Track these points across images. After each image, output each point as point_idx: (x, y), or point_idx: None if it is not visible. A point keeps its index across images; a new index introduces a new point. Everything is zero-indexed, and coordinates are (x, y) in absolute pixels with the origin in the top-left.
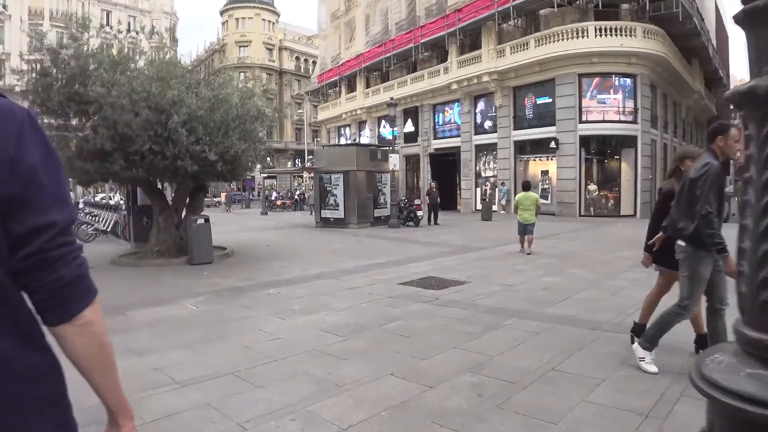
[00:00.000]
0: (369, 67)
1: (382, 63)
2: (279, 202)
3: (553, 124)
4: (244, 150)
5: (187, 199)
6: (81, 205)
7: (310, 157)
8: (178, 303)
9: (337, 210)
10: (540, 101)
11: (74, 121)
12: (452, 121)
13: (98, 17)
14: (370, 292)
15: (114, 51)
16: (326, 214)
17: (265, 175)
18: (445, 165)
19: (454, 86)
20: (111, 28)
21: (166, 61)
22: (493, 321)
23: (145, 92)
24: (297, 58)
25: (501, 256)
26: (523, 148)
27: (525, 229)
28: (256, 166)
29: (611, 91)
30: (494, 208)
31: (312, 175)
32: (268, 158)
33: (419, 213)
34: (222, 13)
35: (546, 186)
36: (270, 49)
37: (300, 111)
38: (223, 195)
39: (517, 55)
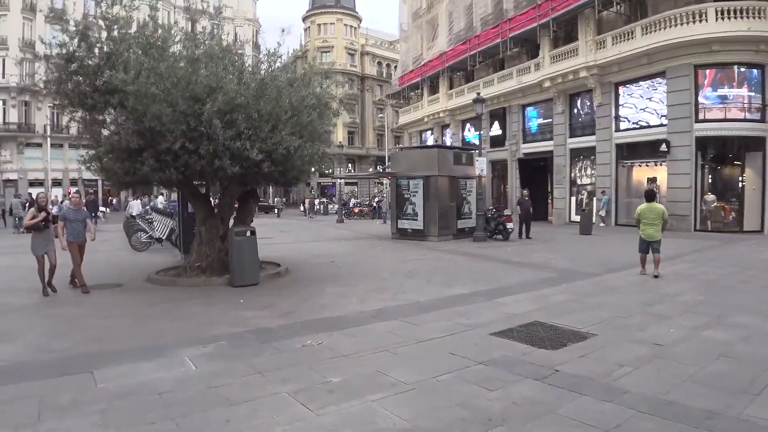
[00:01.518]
0: (452, 67)
1: (467, 61)
2: (356, 210)
3: (664, 125)
4: (297, 148)
5: (235, 207)
6: (139, 210)
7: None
8: (175, 355)
9: (416, 220)
10: (646, 97)
11: (107, 115)
12: (544, 122)
13: (182, 26)
14: (451, 350)
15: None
16: (403, 224)
17: (343, 181)
18: (536, 171)
19: (547, 83)
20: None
21: (204, 40)
22: None
23: (174, 77)
24: (379, 63)
25: (624, 286)
26: (626, 152)
27: (648, 247)
28: (314, 171)
29: (734, 84)
30: (593, 220)
31: (390, 180)
32: (329, 161)
33: (509, 225)
34: (304, 19)
35: None
36: (352, 54)
37: (381, 116)
38: (306, 201)
39: (620, 46)
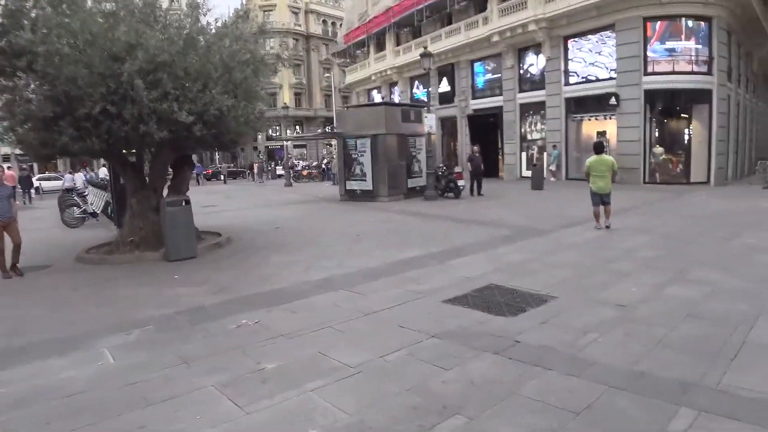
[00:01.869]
0: (399, 23)
1: (413, 17)
2: (305, 173)
3: (613, 78)
4: (230, 108)
5: (169, 176)
6: (78, 184)
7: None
8: (92, 347)
9: (365, 180)
10: (596, 51)
11: (17, 80)
12: (494, 78)
13: None
14: (401, 323)
15: None
16: (352, 185)
17: (290, 143)
18: (486, 128)
19: (496, 38)
20: None
21: None
22: (642, 416)
23: (88, 34)
24: (324, 22)
25: (581, 243)
26: (575, 106)
27: (601, 200)
28: (253, 133)
29: (682, 37)
30: (544, 174)
31: (336, 141)
32: (268, 123)
33: (460, 183)
34: None
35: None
36: (296, 13)
37: (327, 75)
38: (255, 165)
39: None
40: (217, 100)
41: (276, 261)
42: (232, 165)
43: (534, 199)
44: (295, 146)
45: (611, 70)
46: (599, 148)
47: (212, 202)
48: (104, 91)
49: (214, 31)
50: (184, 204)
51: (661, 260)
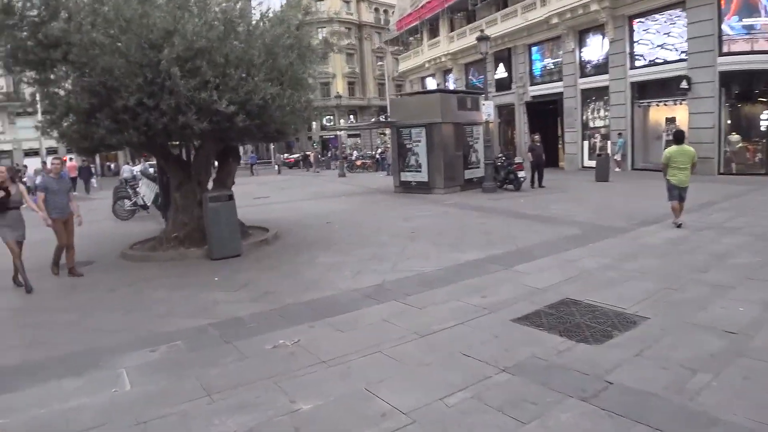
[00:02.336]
0: (452, 7)
1: (467, 0)
2: (359, 163)
3: (684, 60)
4: (274, 97)
5: (214, 167)
6: (134, 174)
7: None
8: (112, 365)
9: (420, 171)
10: (664, 31)
11: (56, 72)
12: (553, 62)
13: None
14: (464, 349)
15: None
16: (407, 176)
17: (344, 132)
18: (545, 115)
19: (555, 20)
20: None
21: None
22: None
23: (122, 20)
24: (376, 10)
25: (662, 245)
26: (642, 92)
27: (679, 194)
28: (303, 124)
29: (762, 12)
30: (609, 165)
31: (390, 130)
32: (316, 112)
33: (521, 174)
34: None
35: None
36: (347, 2)
37: (380, 63)
38: (310, 155)
39: None
40: (260, 88)
41: (324, 262)
42: (286, 155)
43: (600, 191)
44: (349, 135)
45: (681, 51)
46: (681, 137)
47: (264, 193)
48: (141, 81)
49: (257, 15)
50: (227, 199)
51: (762, 269)
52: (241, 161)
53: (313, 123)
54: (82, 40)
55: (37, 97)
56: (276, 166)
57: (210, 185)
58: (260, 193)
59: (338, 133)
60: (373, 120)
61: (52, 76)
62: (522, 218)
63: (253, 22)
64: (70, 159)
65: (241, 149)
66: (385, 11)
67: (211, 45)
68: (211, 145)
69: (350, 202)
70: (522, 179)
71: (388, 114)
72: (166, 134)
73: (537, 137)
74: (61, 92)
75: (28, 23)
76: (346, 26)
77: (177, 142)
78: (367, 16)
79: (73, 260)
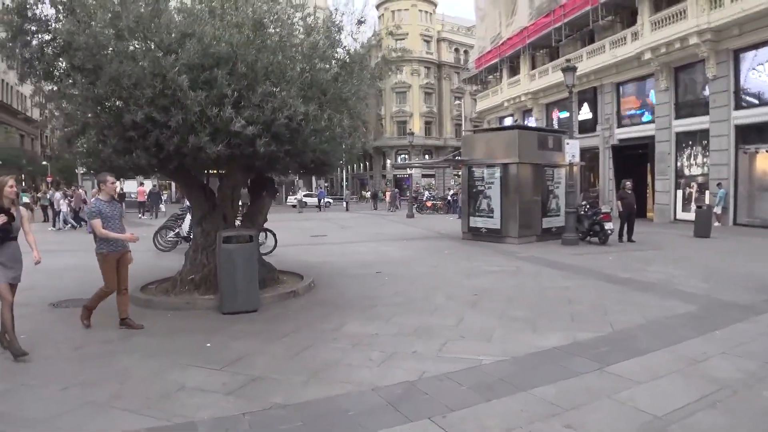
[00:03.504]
0: (534, 44)
1: (551, 36)
2: (429, 204)
3: None
4: (307, 116)
5: (241, 199)
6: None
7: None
8: None
9: (492, 217)
10: None
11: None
12: (644, 103)
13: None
14: None
15: None
16: (476, 222)
17: (418, 172)
18: (633, 160)
19: (647, 55)
20: None
21: None
22: None
23: (131, 19)
24: (456, 50)
25: None
26: (748, 135)
27: None
28: (350, 155)
29: None
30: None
31: (461, 170)
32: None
33: (608, 225)
34: (378, 6)
35: None
36: (427, 41)
37: (457, 102)
38: (387, 194)
39: (742, 3)
40: (289, 105)
41: (352, 332)
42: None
43: (703, 250)
44: (423, 176)
45: None
46: None
47: (323, 231)
48: (151, 92)
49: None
50: (247, 240)
51: None
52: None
53: (385, 159)
54: (88, 42)
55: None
56: (345, 203)
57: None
58: (319, 230)
59: (410, 171)
60: (443, 158)
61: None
62: (613, 282)
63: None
64: (141, 183)
65: (313, 182)
66: (465, 52)
67: (234, 51)
68: (237, 174)
69: (411, 247)
70: (609, 231)
71: (461, 151)
72: (179, 157)
73: (629, 184)
74: (71, 106)
75: (42, 27)
76: (426, 66)
77: (212, 170)
78: (447, 56)
79: (128, 308)
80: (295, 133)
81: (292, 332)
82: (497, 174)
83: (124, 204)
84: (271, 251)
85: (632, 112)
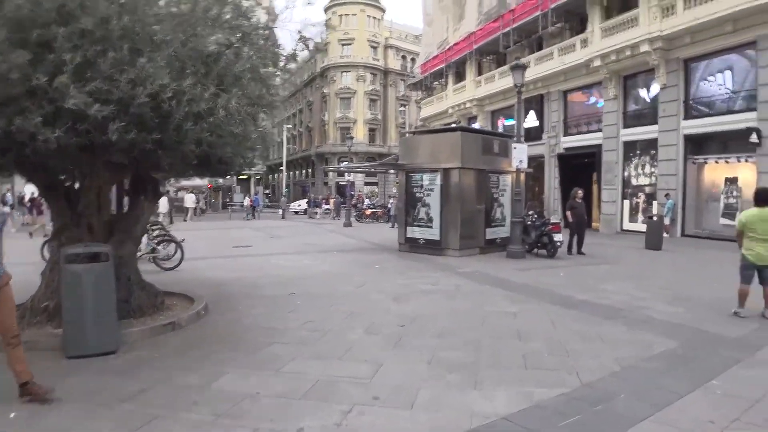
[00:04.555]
0: (481, 49)
1: (499, 42)
2: (368, 212)
3: (752, 109)
4: (179, 93)
5: (113, 205)
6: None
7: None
8: None
9: (430, 227)
10: (727, 76)
11: None
12: (591, 111)
13: None
14: None
15: None
16: (414, 232)
17: (357, 179)
18: (578, 169)
19: (597, 62)
20: None
21: None
22: None
23: None
24: (403, 57)
25: None
26: (697, 146)
27: (759, 275)
28: (244, 155)
29: None
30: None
31: (398, 176)
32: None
33: (557, 237)
34: (326, 10)
35: (732, 201)
36: (375, 47)
37: (402, 109)
38: (332, 201)
39: (694, 11)
40: (152, 78)
41: (223, 391)
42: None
43: (658, 264)
44: (366, 183)
45: (748, 98)
46: (764, 196)
47: (250, 241)
48: None
49: None
50: (104, 258)
51: None
52: (237, 203)
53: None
54: None
55: None
56: (281, 210)
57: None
58: (246, 240)
59: (348, 177)
60: (378, 162)
61: None
62: (570, 306)
63: None
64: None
65: (251, 188)
66: (413, 59)
67: (63, 4)
68: (104, 173)
69: (340, 260)
70: (559, 244)
71: (399, 154)
72: (18, 147)
73: (580, 193)
74: None
75: None
76: (372, 72)
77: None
78: (394, 63)
79: (25, 366)
80: (166, 118)
81: (141, 392)
82: (437, 180)
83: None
84: (176, 266)
85: (579, 120)
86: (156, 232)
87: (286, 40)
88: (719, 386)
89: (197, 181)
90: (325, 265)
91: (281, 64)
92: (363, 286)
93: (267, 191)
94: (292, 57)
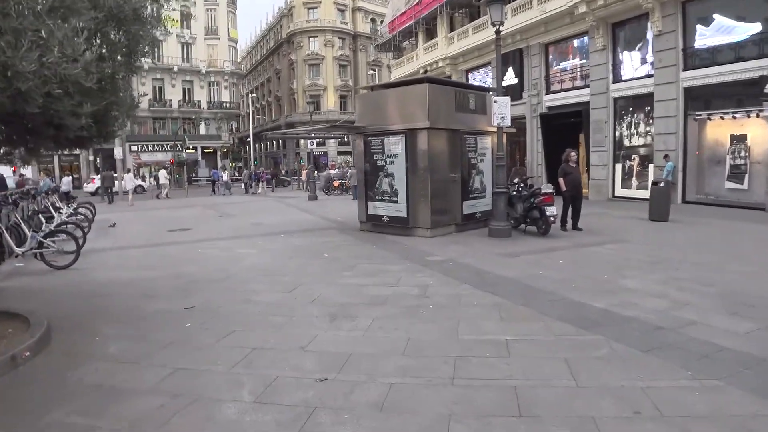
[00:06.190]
0: (453, 2)
1: None
2: (336, 183)
3: (764, 55)
4: None
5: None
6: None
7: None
8: None
9: (395, 201)
10: (733, 19)
11: None
12: (577, 65)
13: None
14: None
15: None
16: (377, 208)
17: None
18: (564, 130)
19: (582, 8)
20: None
21: None
22: None
23: None
24: (372, 20)
25: None
26: (699, 100)
27: None
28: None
29: None
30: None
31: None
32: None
33: (550, 210)
34: None
35: (740, 162)
36: (342, 11)
37: (371, 72)
38: (303, 173)
39: None
40: None
41: None
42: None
43: (672, 240)
44: (339, 153)
45: (760, 43)
46: None
47: (192, 223)
48: None
49: None
50: None
51: None
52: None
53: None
54: None
55: None
56: (243, 185)
57: None
58: (188, 222)
59: (311, 146)
60: (328, 124)
61: None
62: (590, 327)
63: None
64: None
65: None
66: (382, 22)
67: None
68: None
69: (283, 247)
70: (552, 219)
71: (355, 115)
72: None
73: (574, 155)
74: None
75: None
76: (340, 36)
77: None
78: (363, 27)
79: None
80: None
81: None
82: (402, 144)
83: None
84: (70, 264)
85: (563, 76)
86: (54, 224)
87: None
88: None
89: (158, 156)
90: (262, 256)
91: None
92: (297, 288)
93: (240, 164)
94: None
